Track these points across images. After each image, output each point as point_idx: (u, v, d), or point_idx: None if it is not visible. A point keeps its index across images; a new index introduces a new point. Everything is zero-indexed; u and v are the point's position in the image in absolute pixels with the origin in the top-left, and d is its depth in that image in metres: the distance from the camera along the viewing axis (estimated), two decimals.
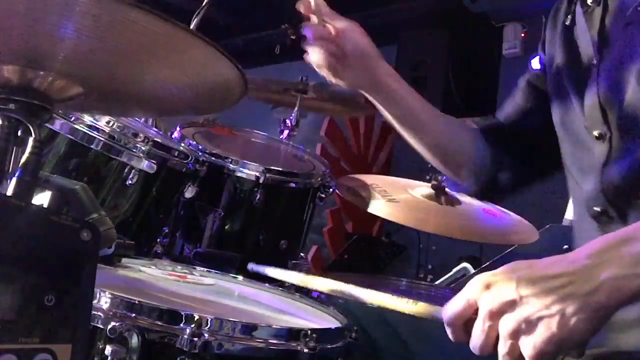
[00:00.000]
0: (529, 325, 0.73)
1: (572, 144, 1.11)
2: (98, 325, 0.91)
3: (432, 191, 1.90)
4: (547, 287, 0.74)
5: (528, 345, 0.73)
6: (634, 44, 0.96)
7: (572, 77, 1.09)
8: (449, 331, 0.82)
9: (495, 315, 0.75)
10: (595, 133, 1.02)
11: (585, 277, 0.73)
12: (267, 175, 1.89)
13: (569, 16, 1.12)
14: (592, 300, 0.72)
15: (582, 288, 0.73)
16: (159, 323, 0.93)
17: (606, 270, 0.73)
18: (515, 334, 0.74)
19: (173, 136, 1.94)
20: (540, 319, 0.73)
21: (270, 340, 0.97)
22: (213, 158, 1.89)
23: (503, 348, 0.76)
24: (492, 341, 0.77)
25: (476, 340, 0.78)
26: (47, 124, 1.24)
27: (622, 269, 0.73)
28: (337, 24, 1.33)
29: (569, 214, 2.56)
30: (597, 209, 1.01)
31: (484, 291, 0.77)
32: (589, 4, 1.06)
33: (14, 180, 0.74)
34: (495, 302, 0.75)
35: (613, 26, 1.02)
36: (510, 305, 0.74)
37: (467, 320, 0.80)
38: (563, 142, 1.15)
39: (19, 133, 0.77)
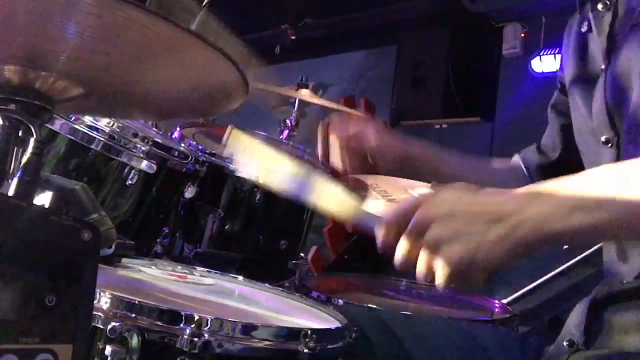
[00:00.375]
0: (450, 238, 0.77)
1: (585, 150, 1.12)
2: (98, 326, 0.91)
3: (432, 191, 1.90)
4: (479, 210, 0.78)
5: (443, 256, 0.77)
6: (638, 47, 0.96)
7: (582, 84, 1.10)
8: (379, 235, 0.85)
9: (424, 224, 0.79)
10: (603, 138, 1.02)
11: (514, 210, 0.77)
12: None
13: (584, 23, 1.12)
14: (513, 232, 0.76)
15: (508, 219, 0.76)
16: (159, 323, 0.93)
17: (534, 208, 0.76)
18: (436, 245, 0.78)
19: (173, 136, 1.95)
20: (461, 234, 0.77)
21: (270, 341, 0.97)
22: (213, 158, 1.89)
23: (421, 260, 0.80)
24: (415, 252, 0.80)
25: (400, 249, 0.82)
26: (47, 124, 1.24)
27: (547, 208, 0.76)
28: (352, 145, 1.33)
29: None
30: None
31: (423, 204, 0.81)
32: (600, 9, 1.06)
33: (15, 180, 0.74)
34: (428, 212, 0.80)
35: (620, 31, 1.02)
36: (441, 219, 0.79)
37: (401, 229, 0.82)
38: (580, 149, 1.15)
39: (20, 133, 0.77)
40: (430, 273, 0.80)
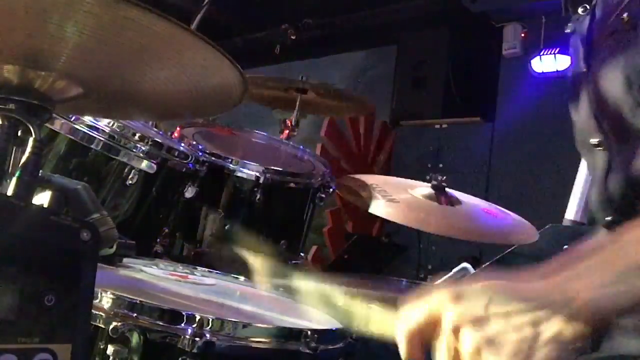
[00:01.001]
0: (494, 345, 0.68)
1: (582, 152, 1.12)
2: (100, 325, 0.91)
3: (432, 191, 1.91)
4: (520, 307, 0.69)
5: None
6: (616, 53, 0.96)
7: (572, 86, 1.10)
8: (401, 346, 0.75)
9: (459, 329, 0.70)
10: (594, 141, 1.02)
11: (564, 301, 0.69)
12: (267, 175, 1.89)
13: (569, 24, 1.12)
14: (572, 324, 0.68)
15: (560, 312, 0.68)
16: (161, 323, 0.93)
17: (584, 293, 0.69)
18: (478, 352, 0.69)
19: (173, 136, 1.94)
20: (507, 340, 0.68)
21: (271, 341, 0.97)
22: (213, 158, 1.89)
23: None
24: (457, 357, 0.71)
25: (439, 356, 0.72)
26: (47, 124, 1.23)
27: (598, 291, 0.69)
28: None
29: (569, 214, 2.56)
30: (609, 218, 1.01)
31: (452, 304, 0.71)
32: (580, 13, 1.07)
33: (14, 180, 0.74)
34: (463, 316, 0.70)
35: (598, 35, 1.02)
36: (478, 322, 0.69)
37: (425, 335, 0.74)
38: (579, 150, 1.15)
39: (19, 133, 0.77)
40: None
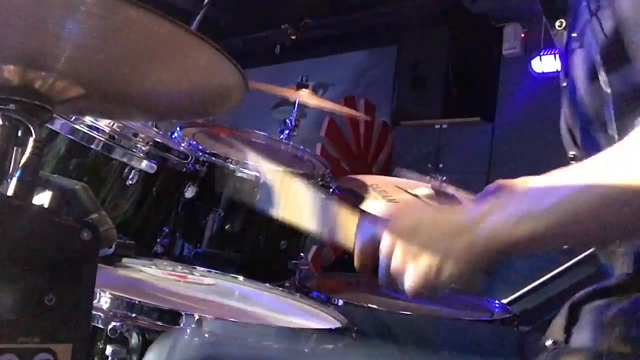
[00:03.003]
0: (415, 253, 0.81)
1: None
2: (98, 325, 0.91)
3: (432, 191, 1.91)
4: (441, 225, 0.82)
5: (406, 284, 0.82)
6: (576, 71, 0.97)
7: (560, 98, 1.11)
8: (357, 256, 0.92)
9: (389, 248, 0.84)
10: (570, 154, 1.04)
11: (470, 226, 0.79)
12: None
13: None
14: (472, 246, 0.79)
15: (464, 236, 0.79)
16: (160, 323, 0.93)
17: (488, 221, 0.78)
18: (403, 259, 0.82)
19: (173, 136, 1.95)
20: (425, 250, 0.80)
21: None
22: (213, 158, 1.89)
23: (399, 279, 0.84)
24: (390, 272, 0.85)
25: (380, 272, 0.86)
26: (47, 124, 1.24)
27: (499, 220, 0.77)
28: None
29: None
30: None
31: (390, 224, 0.85)
32: (557, 27, 1.07)
33: (14, 180, 0.74)
34: (395, 231, 0.84)
35: (571, 49, 1.03)
36: (407, 235, 0.83)
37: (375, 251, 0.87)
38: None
39: (19, 133, 0.77)
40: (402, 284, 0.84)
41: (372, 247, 0.88)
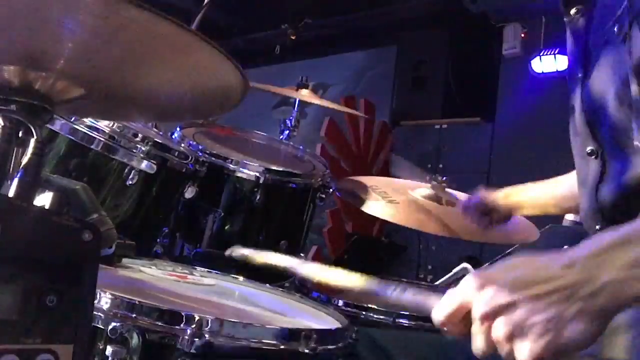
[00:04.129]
0: (524, 329, 0.70)
1: (576, 157, 1.11)
2: (99, 326, 0.91)
3: (432, 192, 1.91)
4: (544, 289, 0.71)
5: (523, 350, 0.70)
6: (611, 64, 0.95)
7: (569, 90, 1.09)
8: (443, 330, 0.79)
9: (490, 318, 0.72)
10: (588, 149, 1.01)
11: (585, 279, 0.70)
12: (267, 175, 1.89)
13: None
14: (592, 304, 0.69)
15: (581, 291, 0.70)
16: (160, 323, 0.93)
17: (606, 274, 0.70)
18: (510, 338, 0.71)
19: (173, 136, 1.95)
20: (535, 323, 0.70)
21: (270, 341, 0.97)
22: (213, 158, 1.89)
23: (501, 351, 0.73)
24: (492, 343, 0.74)
25: (476, 342, 0.75)
26: (47, 124, 1.24)
27: (621, 272, 0.70)
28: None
29: (569, 215, 2.57)
30: (597, 226, 1.00)
31: (478, 291, 0.74)
32: (572, 14, 1.05)
33: (15, 181, 0.74)
34: (489, 305, 0.72)
35: (594, 42, 1.00)
36: (505, 309, 0.71)
37: (463, 318, 0.76)
38: (574, 153, 1.14)
39: (21, 134, 0.77)
40: None
41: (457, 323, 0.77)
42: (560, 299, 0.70)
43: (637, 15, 0.87)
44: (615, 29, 0.92)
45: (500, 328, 0.72)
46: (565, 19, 1.06)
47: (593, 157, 1.00)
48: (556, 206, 1.51)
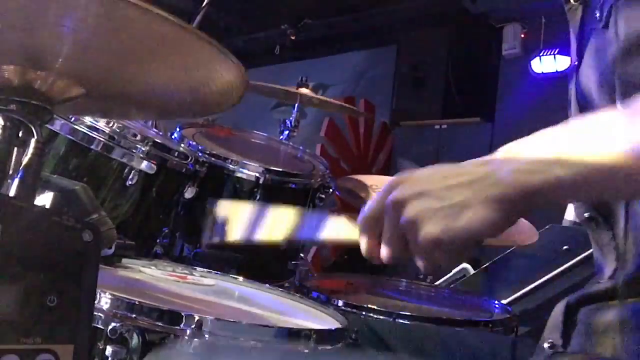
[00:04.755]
0: (428, 214, 0.73)
1: None
2: (98, 326, 0.91)
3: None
4: (454, 182, 0.74)
5: (423, 233, 0.73)
6: (594, 52, 0.95)
7: (569, 78, 1.09)
8: (362, 240, 0.80)
9: (399, 206, 0.75)
10: None
11: (492, 172, 0.73)
12: (267, 175, 1.89)
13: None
14: (493, 191, 0.72)
15: (486, 182, 0.72)
16: (160, 324, 0.93)
17: (511, 165, 0.73)
18: (413, 224, 0.73)
19: (173, 136, 1.95)
20: (439, 209, 0.72)
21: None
22: (213, 158, 1.89)
23: (412, 246, 0.75)
24: (398, 236, 0.76)
25: (384, 238, 0.77)
26: (47, 124, 1.24)
27: (527, 164, 0.72)
28: None
29: (569, 215, 2.57)
30: (586, 214, 1.01)
31: (396, 186, 0.76)
32: (572, 2, 1.05)
33: (15, 181, 0.74)
34: (401, 193, 0.75)
35: (587, 31, 1.01)
36: (414, 197, 0.74)
37: (379, 221, 0.78)
38: None
39: (21, 134, 0.77)
40: (420, 251, 0.75)
41: (377, 223, 0.78)
42: (465, 189, 0.73)
43: (616, 1, 0.88)
44: (597, 15, 0.93)
45: (405, 213, 0.74)
46: (565, 8, 1.06)
47: None
48: None
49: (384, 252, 0.78)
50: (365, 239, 0.80)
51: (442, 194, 0.73)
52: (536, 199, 0.72)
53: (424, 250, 0.74)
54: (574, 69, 1.03)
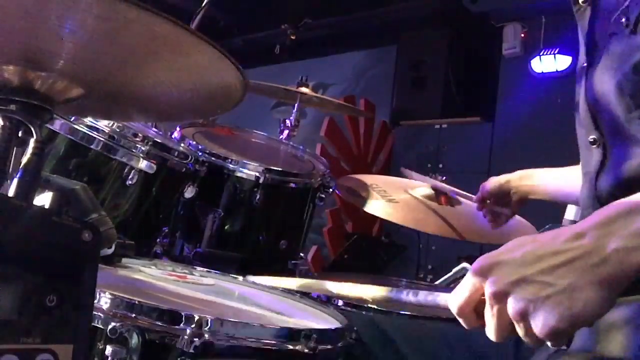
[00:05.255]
0: (536, 304, 0.70)
1: (580, 146, 1.11)
2: (98, 326, 0.91)
3: (431, 191, 1.91)
4: (553, 263, 0.71)
5: (538, 323, 0.70)
6: (616, 55, 0.95)
7: (576, 82, 1.09)
8: (461, 321, 0.79)
9: (502, 297, 0.72)
10: (590, 138, 1.02)
11: (593, 249, 0.71)
12: (267, 175, 1.89)
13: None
14: (601, 272, 0.70)
15: (590, 261, 0.70)
16: (159, 323, 0.93)
17: (613, 242, 0.70)
18: (523, 315, 0.71)
19: (173, 136, 1.95)
20: (548, 297, 0.70)
21: (270, 341, 0.97)
22: (213, 158, 1.90)
23: (519, 331, 0.73)
24: (506, 325, 0.73)
25: (490, 326, 0.75)
26: (47, 124, 1.24)
27: (628, 240, 0.70)
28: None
29: (569, 214, 2.57)
30: None
31: (487, 273, 0.74)
32: (581, 3, 1.05)
33: (15, 181, 0.74)
34: (499, 283, 0.72)
35: (599, 32, 1.01)
36: (516, 285, 0.71)
37: (477, 305, 0.76)
38: (579, 144, 1.15)
39: (20, 134, 0.77)
40: (536, 340, 0.73)
41: (472, 309, 0.76)
42: (569, 270, 0.70)
43: None
44: (623, 20, 0.92)
45: (512, 306, 0.71)
46: (573, 9, 1.06)
47: (595, 146, 1.01)
48: (567, 196, 1.52)
49: (491, 335, 0.75)
50: (465, 323, 0.78)
51: (544, 278, 0.71)
52: None
53: (540, 337, 0.72)
54: (584, 70, 1.03)
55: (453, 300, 0.78)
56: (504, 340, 0.75)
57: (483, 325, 0.76)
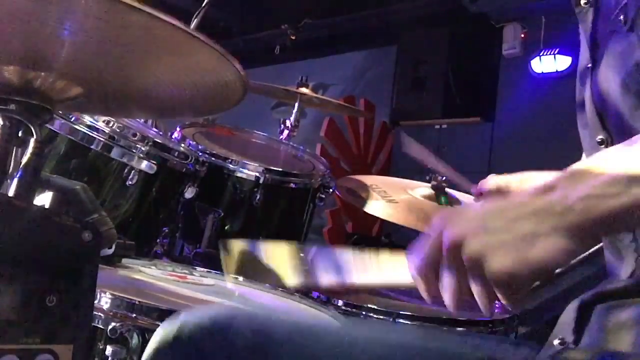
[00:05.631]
0: (494, 249, 0.67)
1: (586, 147, 1.11)
2: (98, 326, 0.91)
3: (432, 192, 1.91)
4: (517, 213, 0.69)
5: (494, 267, 0.67)
6: (618, 53, 0.95)
7: (579, 83, 1.10)
8: (420, 288, 0.74)
9: (458, 243, 0.69)
10: (598, 139, 1.02)
11: (558, 198, 0.69)
12: (267, 175, 1.89)
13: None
14: (564, 220, 0.67)
15: (555, 209, 0.68)
16: (159, 323, 0.93)
17: (579, 191, 0.68)
18: (479, 261, 0.68)
19: (173, 136, 1.95)
20: (506, 242, 0.67)
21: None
22: (213, 158, 1.90)
23: (474, 287, 0.69)
24: (463, 282, 0.70)
25: (446, 286, 0.71)
26: (47, 124, 1.24)
27: (596, 189, 0.68)
28: None
29: None
30: None
31: (448, 224, 0.70)
32: (582, 4, 1.06)
33: (15, 181, 0.74)
34: (458, 231, 0.69)
35: (602, 31, 1.01)
36: (476, 232, 0.68)
37: (437, 266, 0.72)
38: (583, 145, 1.14)
39: (20, 134, 0.77)
40: (491, 299, 0.70)
41: (431, 267, 0.73)
42: (531, 219, 0.68)
43: None
44: (621, 18, 0.93)
45: (467, 251, 0.68)
46: (575, 10, 1.06)
47: (603, 146, 1.01)
48: None
49: (447, 298, 0.72)
50: (424, 286, 0.74)
51: (505, 226, 0.68)
52: (614, 224, 0.69)
53: (495, 285, 0.69)
54: (588, 70, 1.03)
55: (412, 260, 0.74)
56: (459, 309, 0.71)
57: (438, 291, 0.72)
